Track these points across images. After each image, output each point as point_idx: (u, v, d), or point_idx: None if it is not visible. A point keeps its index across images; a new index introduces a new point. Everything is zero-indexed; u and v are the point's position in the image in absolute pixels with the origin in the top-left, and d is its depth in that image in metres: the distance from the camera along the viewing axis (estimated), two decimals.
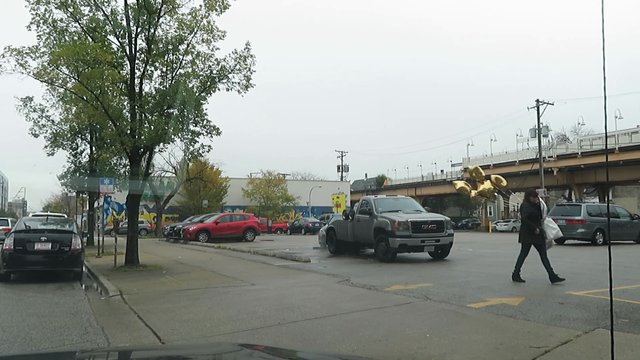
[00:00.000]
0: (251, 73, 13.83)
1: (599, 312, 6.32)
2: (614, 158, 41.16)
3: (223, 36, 13.55)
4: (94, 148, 22.67)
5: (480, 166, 59.02)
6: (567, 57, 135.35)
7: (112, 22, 12.99)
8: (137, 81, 13.36)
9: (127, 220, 14.77)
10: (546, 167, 44.61)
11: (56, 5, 12.23)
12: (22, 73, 11.85)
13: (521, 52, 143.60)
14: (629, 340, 5.01)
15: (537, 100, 42.89)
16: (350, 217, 15.96)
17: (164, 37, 13.58)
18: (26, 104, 17.56)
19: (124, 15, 13.04)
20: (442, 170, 65.60)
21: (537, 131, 43.11)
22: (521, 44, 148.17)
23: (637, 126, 45.72)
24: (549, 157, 46.41)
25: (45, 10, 12.29)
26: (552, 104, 43.21)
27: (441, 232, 13.92)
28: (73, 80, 12.89)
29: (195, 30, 13.28)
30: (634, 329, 5.44)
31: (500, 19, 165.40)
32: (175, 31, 13.49)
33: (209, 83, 13.68)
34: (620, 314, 6.21)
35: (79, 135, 22.99)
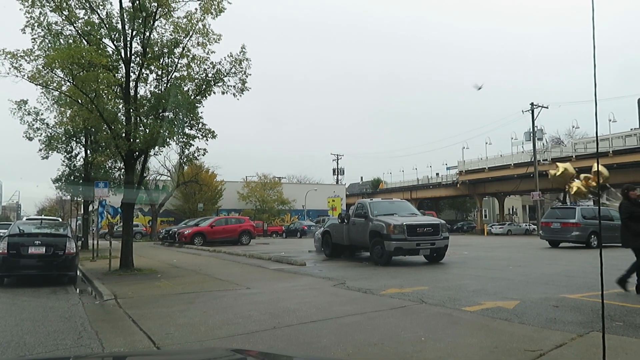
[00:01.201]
0: (247, 76, 13.85)
1: (594, 315, 6.34)
2: (607, 161, 41.35)
3: (218, 39, 13.54)
4: (88, 151, 22.62)
5: (475, 169, 58.49)
6: (561, 60, 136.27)
7: (107, 26, 12.97)
8: (132, 84, 13.34)
9: (121, 223, 14.70)
10: (541, 170, 44.79)
11: (51, 9, 12.20)
12: (17, 76, 11.79)
13: (516, 57, 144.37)
14: (623, 343, 5.03)
15: (532, 104, 43.17)
16: (345, 221, 15.95)
17: (159, 41, 13.56)
18: (20, 107, 17.57)
19: (119, 19, 13.03)
20: (437, 174, 65.83)
21: (531, 134, 43.35)
22: (516, 48, 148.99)
23: (631, 129, 46.05)
24: (543, 160, 46.61)
25: (40, 13, 12.26)
26: (547, 107, 43.53)
27: (436, 236, 13.94)
28: (68, 83, 12.84)
29: (190, 34, 13.27)
30: (628, 332, 5.46)
31: (495, 25, 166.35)
32: (171, 34, 13.48)
33: (204, 86, 13.66)
34: (615, 317, 6.23)
35: (74, 139, 22.94)
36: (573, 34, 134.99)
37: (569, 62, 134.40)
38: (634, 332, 5.46)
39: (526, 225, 54.28)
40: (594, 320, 6.00)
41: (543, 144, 50.09)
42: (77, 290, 10.60)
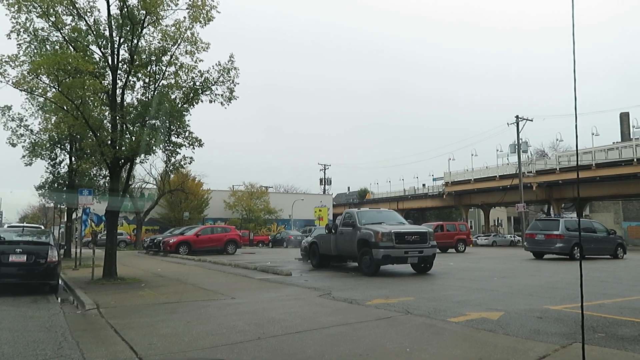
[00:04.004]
0: (235, 85, 13.84)
1: (577, 326, 6.39)
2: (590, 174, 42.08)
3: (207, 48, 13.54)
4: (73, 158, 22.38)
5: (461, 181, 59.23)
6: (546, 76, 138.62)
7: (94, 32, 12.89)
8: (118, 92, 13.26)
9: (105, 231, 14.50)
10: (525, 182, 45.35)
11: (37, 14, 12.11)
12: (1, 82, 11.67)
13: (501, 70, 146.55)
14: (605, 354, 5.08)
15: (517, 117, 43.76)
16: (333, 231, 15.94)
17: (147, 48, 13.50)
18: (4, 113, 17.24)
19: (106, 26, 12.96)
20: (424, 184, 66.24)
21: (516, 147, 43.91)
22: (502, 62, 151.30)
23: (613, 143, 46.89)
24: (528, 172, 47.20)
25: (26, 19, 12.15)
26: (532, 120, 44.18)
27: (424, 244, 13.97)
28: (53, 89, 12.70)
29: (178, 42, 13.25)
30: (610, 344, 5.51)
31: (481, 43, 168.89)
32: (159, 42, 13.45)
33: (191, 94, 13.61)
34: (597, 328, 6.30)
35: (59, 146, 22.66)
36: (560, 48, 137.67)
37: (554, 77, 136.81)
38: (615, 344, 5.51)
39: (511, 237, 54.75)
40: (576, 332, 6.05)
41: (528, 156, 50.83)
42: (59, 299, 10.41)
